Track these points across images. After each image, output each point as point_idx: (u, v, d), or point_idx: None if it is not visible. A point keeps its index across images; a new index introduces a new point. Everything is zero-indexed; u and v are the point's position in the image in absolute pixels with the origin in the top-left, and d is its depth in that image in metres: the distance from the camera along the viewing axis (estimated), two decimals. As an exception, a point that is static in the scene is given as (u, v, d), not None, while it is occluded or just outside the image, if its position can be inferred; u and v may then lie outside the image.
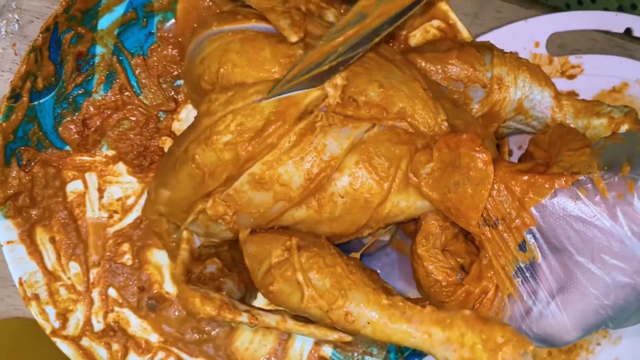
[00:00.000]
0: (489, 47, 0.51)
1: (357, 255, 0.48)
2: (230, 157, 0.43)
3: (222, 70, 0.44)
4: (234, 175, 0.43)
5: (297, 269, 0.42)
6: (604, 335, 0.60)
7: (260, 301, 0.53)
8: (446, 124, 0.45)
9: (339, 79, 0.43)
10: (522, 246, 0.42)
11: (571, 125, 0.50)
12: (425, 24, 0.55)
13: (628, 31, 0.59)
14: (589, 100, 0.51)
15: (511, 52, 0.51)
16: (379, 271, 0.50)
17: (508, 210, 0.42)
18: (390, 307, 0.41)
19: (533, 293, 0.41)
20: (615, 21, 0.59)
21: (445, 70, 0.49)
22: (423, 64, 0.49)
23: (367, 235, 0.46)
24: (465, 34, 0.54)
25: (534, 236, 0.41)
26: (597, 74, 0.60)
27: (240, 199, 0.44)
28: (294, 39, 0.44)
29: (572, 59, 0.60)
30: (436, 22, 0.55)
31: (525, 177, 0.41)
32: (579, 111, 0.50)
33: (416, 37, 0.55)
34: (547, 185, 0.41)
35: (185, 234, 0.48)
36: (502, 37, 0.58)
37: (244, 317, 0.44)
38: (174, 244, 0.50)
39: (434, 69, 0.49)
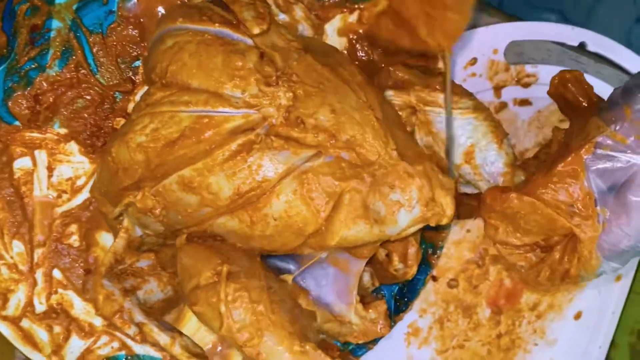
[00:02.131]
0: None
1: (290, 278, 0.48)
2: (141, 159, 0.44)
3: (171, 67, 0.45)
4: (147, 176, 0.44)
5: (222, 299, 0.43)
6: (541, 337, 0.62)
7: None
8: (395, 153, 0.45)
9: (283, 99, 0.43)
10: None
11: None
12: None
13: (582, 45, 0.61)
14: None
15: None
16: (312, 285, 0.50)
17: (569, 199, 0.44)
18: (301, 355, 0.43)
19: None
20: (571, 35, 0.61)
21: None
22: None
23: (307, 253, 0.47)
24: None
25: (595, 202, 0.44)
26: (551, 84, 0.61)
27: (168, 196, 0.44)
28: (256, 30, 0.44)
29: (528, 68, 0.61)
30: None
31: (554, 177, 0.44)
32: None
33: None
34: (576, 166, 0.44)
35: (125, 221, 0.48)
36: (462, 42, 0.59)
37: (131, 330, 0.45)
38: (119, 226, 0.50)
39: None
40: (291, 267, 0.49)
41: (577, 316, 0.61)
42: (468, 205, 0.54)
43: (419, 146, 0.49)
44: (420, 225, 0.46)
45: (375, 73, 0.54)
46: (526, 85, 0.61)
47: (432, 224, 0.45)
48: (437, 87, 0.49)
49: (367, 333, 0.49)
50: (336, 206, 0.44)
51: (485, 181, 0.50)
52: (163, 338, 0.46)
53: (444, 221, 0.45)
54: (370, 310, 0.50)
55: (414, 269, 0.51)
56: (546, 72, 0.61)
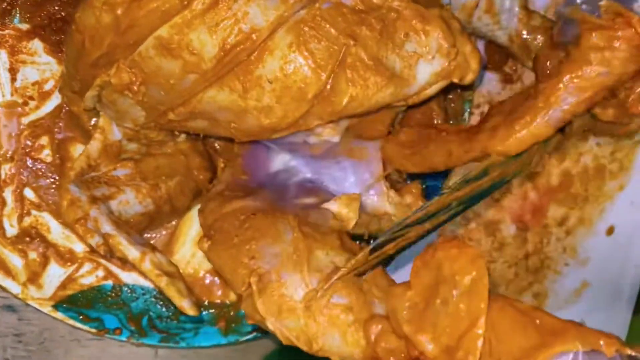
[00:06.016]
0: None
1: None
2: (109, 20, 0.39)
3: None
4: (117, 43, 0.40)
5: (260, 312, 0.40)
6: (572, 256, 0.59)
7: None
8: None
9: None
10: None
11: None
12: None
13: None
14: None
15: None
16: (333, 188, 0.47)
17: None
18: None
19: None
20: None
21: None
22: None
23: (314, 126, 0.42)
24: None
25: None
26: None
27: (146, 66, 0.40)
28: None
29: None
30: None
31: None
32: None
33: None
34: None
35: (101, 120, 0.45)
36: None
37: (94, 240, 0.42)
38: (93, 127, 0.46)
39: None
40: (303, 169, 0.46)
41: (610, 231, 0.59)
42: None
43: None
44: (443, 83, 0.41)
45: None
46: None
47: (456, 80, 0.40)
48: None
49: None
50: (342, 60, 0.39)
51: (503, 29, 0.46)
52: (132, 252, 0.42)
53: (469, 77, 0.40)
54: (405, 195, 0.47)
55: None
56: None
